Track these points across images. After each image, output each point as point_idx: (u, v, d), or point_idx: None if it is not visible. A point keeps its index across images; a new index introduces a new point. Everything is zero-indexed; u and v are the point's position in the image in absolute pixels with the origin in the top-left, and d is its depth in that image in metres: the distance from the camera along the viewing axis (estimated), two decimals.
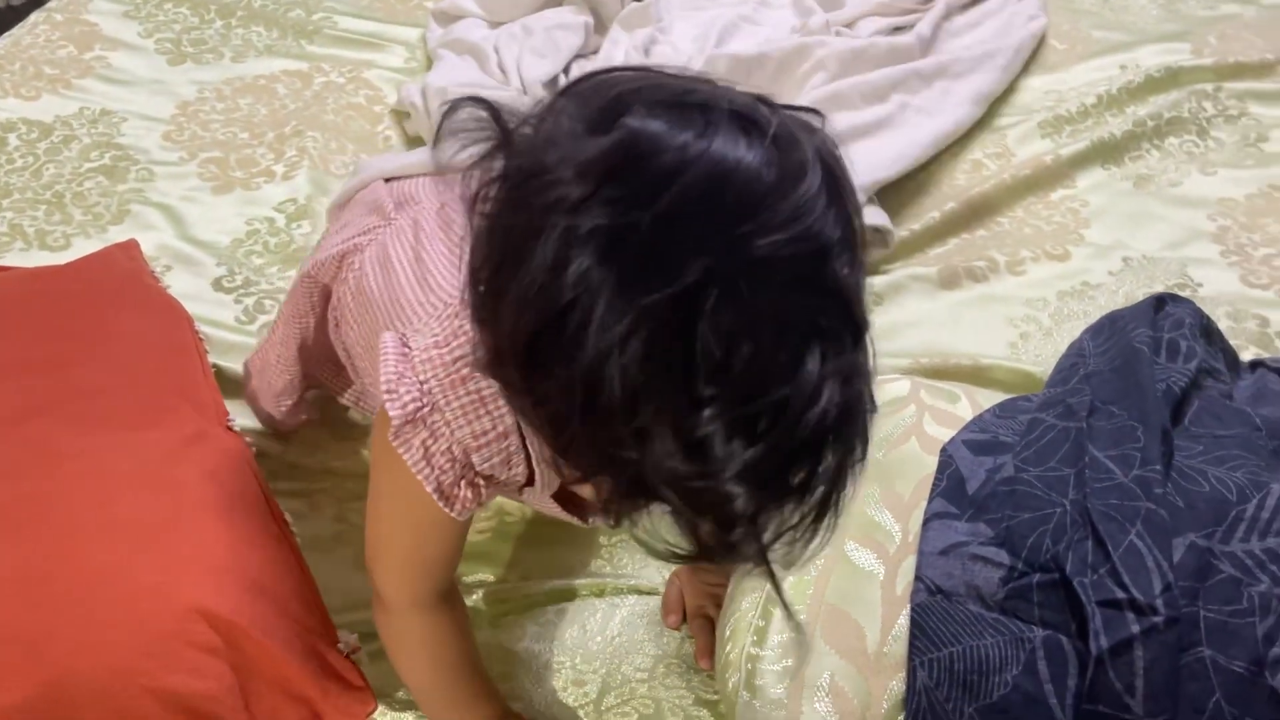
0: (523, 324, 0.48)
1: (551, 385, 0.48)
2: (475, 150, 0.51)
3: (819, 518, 0.50)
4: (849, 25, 1.47)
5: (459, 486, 0.62)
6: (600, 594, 0.90)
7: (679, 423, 0.46)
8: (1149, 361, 0.74)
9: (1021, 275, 1.17)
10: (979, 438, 0.75)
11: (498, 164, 0.51)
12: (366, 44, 1.53)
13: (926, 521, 0.69)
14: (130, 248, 1.05)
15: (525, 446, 0.62)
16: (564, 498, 0.70)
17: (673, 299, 0.45)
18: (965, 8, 1.55)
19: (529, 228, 0.47)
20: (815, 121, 0.52)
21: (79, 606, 0.66)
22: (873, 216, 1.15)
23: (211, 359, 0.99)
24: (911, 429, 0.80)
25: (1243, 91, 1.41)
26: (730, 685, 0.67)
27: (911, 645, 0.63)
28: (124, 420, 0.79)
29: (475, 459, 0.62)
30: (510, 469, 0.64)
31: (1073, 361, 0.80)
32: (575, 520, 0.72)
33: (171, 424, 0.81)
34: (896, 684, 0.63)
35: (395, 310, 0.71)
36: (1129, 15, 1.60)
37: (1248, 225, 1.22)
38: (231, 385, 0.99)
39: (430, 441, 0.61)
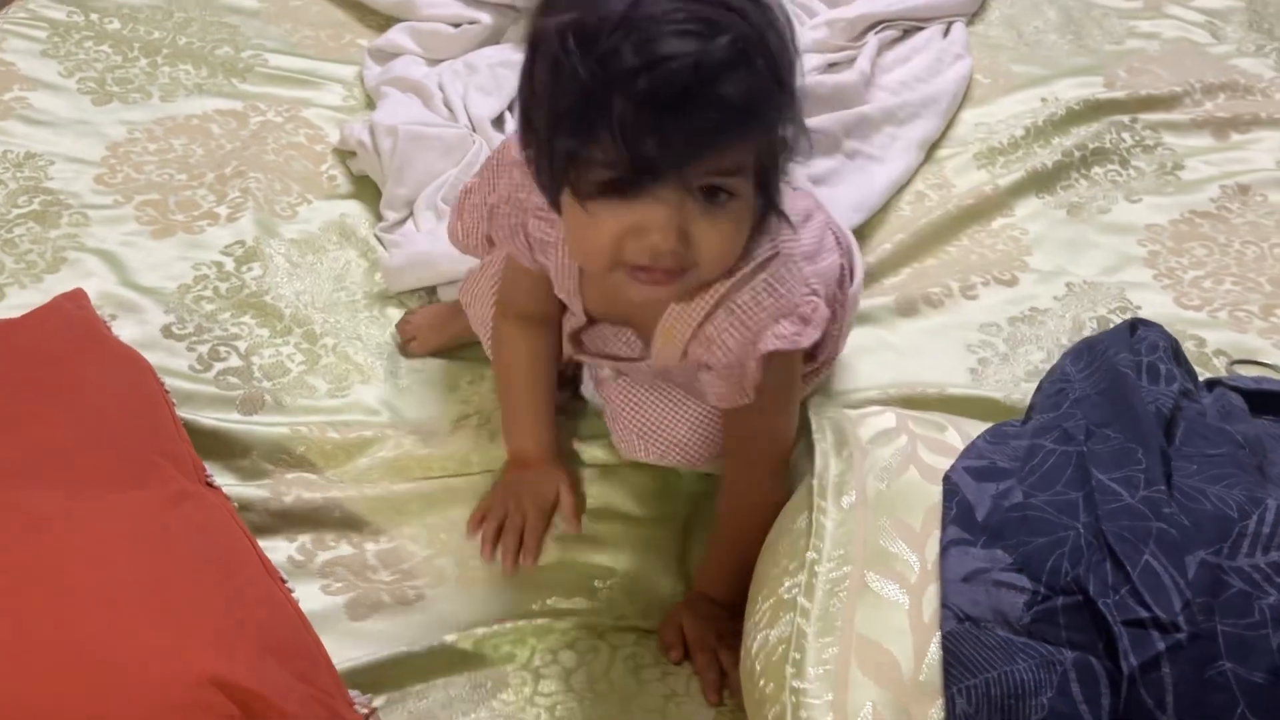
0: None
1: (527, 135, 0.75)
2: None
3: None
4: None
5: (473, 235, 0.96)
6: (600, 635, 0.89)
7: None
8: (1135, 384, 0.77)
9: (974, 300, 1.21)
10: (978, 464, 0.78)
11: None
12: (301, 82, 1.50)
13: (944, 549, 0.70)
14: (78, 297, 1.01)
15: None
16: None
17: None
18: (894, 43, 1.61)
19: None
20: None
21: (86, 677, 0.62)
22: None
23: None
24: (909, 458, 0.81)
25: (1156, 122, 1.49)
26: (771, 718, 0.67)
27: (946, 673, 0.65)
28: (106, 480, 0.76)
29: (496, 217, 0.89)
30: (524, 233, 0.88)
31: (1059, 387, 0.83)
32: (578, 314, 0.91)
33: (154, 482, 0.78)
34: (936, 711, 0.64)
35: None
36: (1043, 50, 1.68)
37: (1175, 250, 1.29)
38: (199, 437, 0.95)
39: (466, 198, 0.95)
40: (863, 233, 1.28)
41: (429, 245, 1.17)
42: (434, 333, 1.13)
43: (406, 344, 1.12)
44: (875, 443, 0.85)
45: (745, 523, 0.88)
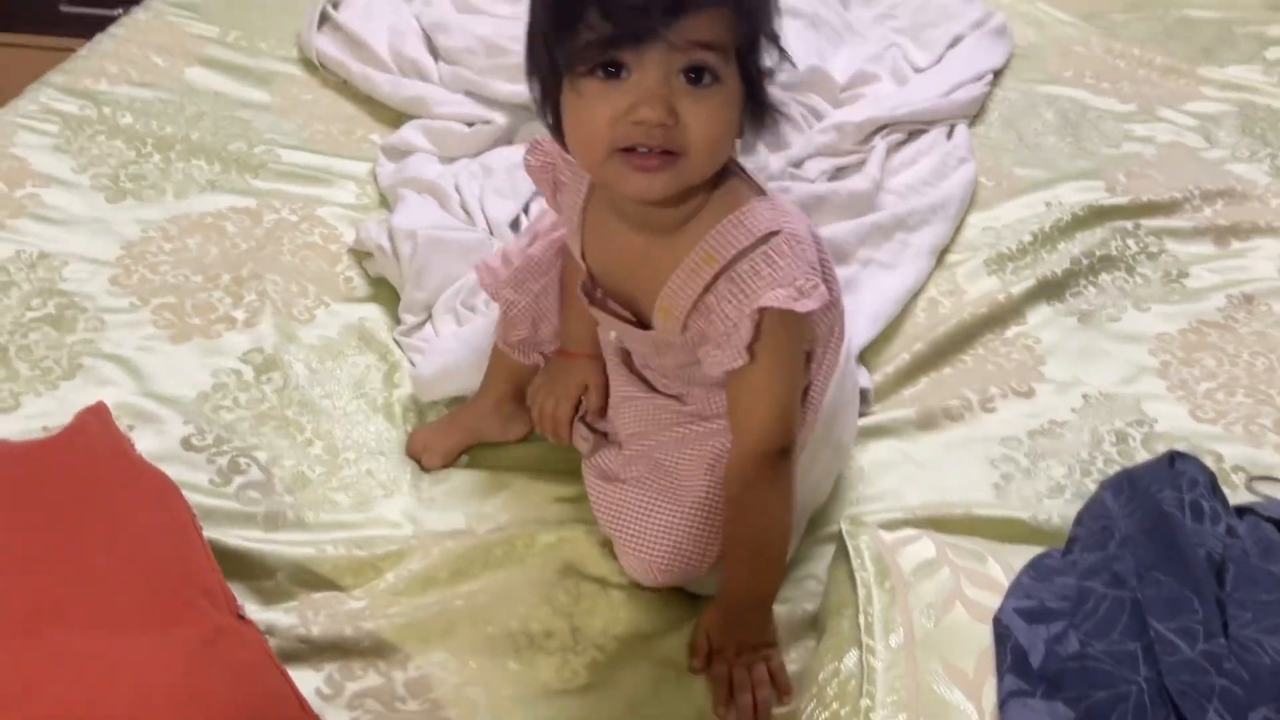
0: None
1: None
2: None
3: None
4: (798, 165, 1.53)
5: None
6: None
7: None
8: (1181, 524, 0.77)
9: (993, 413, 1.21)
10: (1027, 604, 0.77)
11: None
12: (314, 179, 1.50)
13: (1004, 701, 0.70)
14: (101, 412, 0.99)
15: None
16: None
17: None
18: (900, 146, 1.64)
19: None
20: None
21: None
22: (862, 379, 1.18)
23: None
24: (954, 594, 0.81)
25: (1158, 229, 1.52)
26: None
27: None
28: (141, 620, 0.74)
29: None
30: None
31: (1102, 524, 0.83)
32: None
33: (189, 620, 0.76)
34: None
35: None
36: (1043, 152, 1.71)
37: (1185, 360, 1.31)
38: (224, 559, 0.93)
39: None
40: (880, 342, 1.29)
41: (459, 351, 1.16)
42: (440, 442, 1.12)
43: (419, 460, 1.12)
44: (918, 575, 0.85)
45: (751, 532, 0.91)
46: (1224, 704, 0.65)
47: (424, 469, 1.11)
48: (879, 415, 1.19)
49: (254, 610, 0.91)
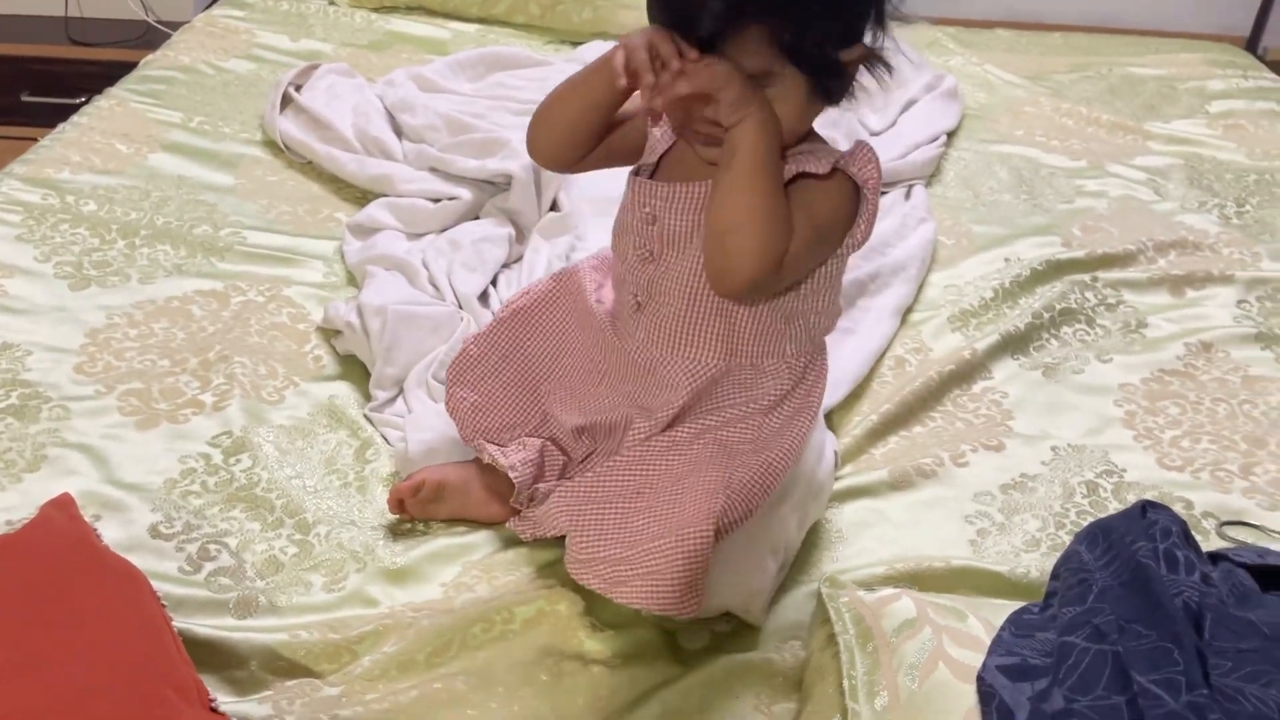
0: None
1: None
2: None
3: None
4: None
5: None
6: None
7: None
8: (1158, 575, 0.78)
9: (965, 468, 1.22)
10: (1009, 661, 0.77)
11: None
12: (280, 260, 1.50)
13: None
14: (66, 504, 0.97)
15: None
16: None
17: None
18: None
19: None
20: None
21: None
22: (830, 440, 1.19)
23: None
24: (936, 654, 0.81)
25: (1115, 280, 1.55)
26: None
27: None
28: None
29: None
30: None
31: (1080, 577, 0.83)
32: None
33: (162, 718, 0.74)
34: None
35: None
36: (1000, 210, 1.75)
37: (1150, 409, 1.33)
38: (195, 649, 0.91)
39: None
40: (849, 403, 1.30)
41: (446, 429, 1.15)
42: (438, 474, 1.10)
43: (405, 500, 1.10)
44: (899, 635, 0.84)
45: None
46: None
47: (406, 513, 1.09)
48: (852, 477, 1.20)
49: (227, 702, 0.89)
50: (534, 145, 1.06)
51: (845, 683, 0.79)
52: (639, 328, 1.05)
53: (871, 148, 0.98)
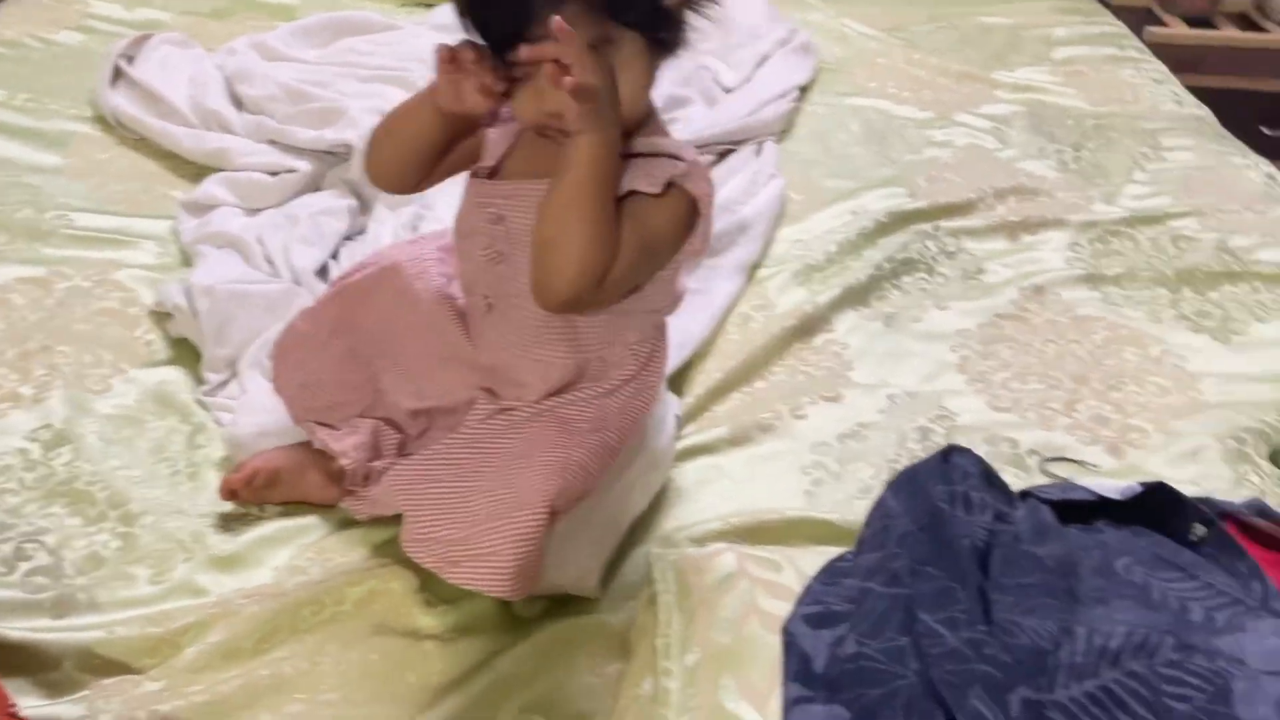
0: None
1: None
2: None
3: None
4: None
5: None
6: None
7: None
8: (951, 519, 0.80)
9: (804, 420, 1.24)
10: (814, 610, 0.79)
11: None
12: (111, 242, 1.44)
13: (786, 709, 0.71)
14: None
15: None
16: None
17: None
18: (710, 167, 1.67)
19: None
20: None
21: None
22: (673, 405, 1.20)
23: None
24: (749, 608, 0.83)
25: (956, 229, 1.59)
26: None
27: None
28: None
29: None
30: None
31: (883, 524, 0.86)
32: None
33: None
34: None
35: None
36: (849, 163, 1.78)
37: (984, 354, 1.37)
38: (5, 653, 0.88)
39: None
40: (694, 363, 1.31)
41: (278, 410, 1.13)
42: (271, 461, 1.08)
43: (237, 486, 1.07)
44: (719, 590, 0.86)
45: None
46: (985, 688, 0.67)
47: (238, 497, 1.07)
48: (695, 435, 1.21)
49: (37, 704, 0.87)
50: (372, 173, 1.03)
51: (659, 641, 0.80)
52: (490, 328, 1.03)
53: (702, 165, 0.95)
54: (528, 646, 0.96)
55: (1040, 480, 1.15)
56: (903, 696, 0.69)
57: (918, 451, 1.21)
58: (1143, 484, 0.92)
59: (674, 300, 1.07)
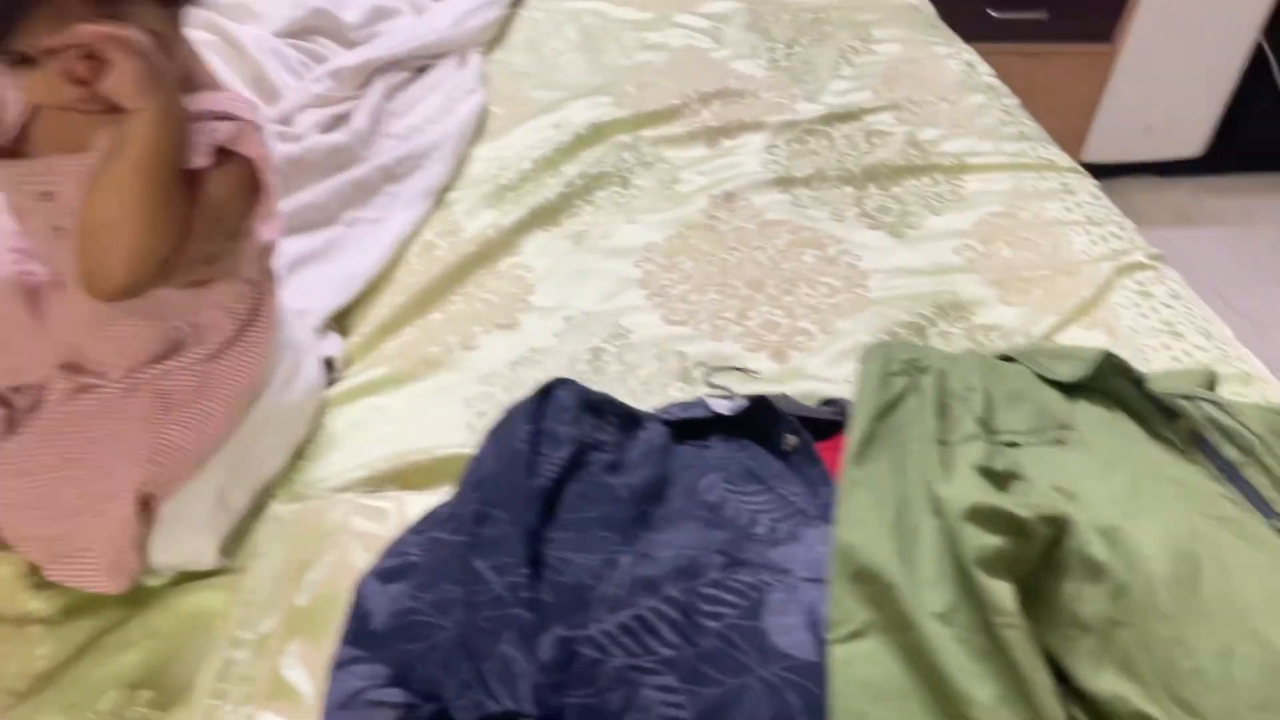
0: None
1: None
2: None
3: None
4: (286, 122, 1.47)
5: None
6: None
7: None
8: (525, 460, 0.80)
9: (475, 351, 1.22)
10: (391, 564, 0.79)
11: None
12: None
13: (331, 673, 0.70)
14: None
15: None
16: None
17: None
18: (405, 85, 1.61)
19: None
20: None
21: None
22: (328, 347, 1.16)
23: None
24: (338, 567, 0.82)
25: (657, 138, 1.58)
26: None
27: None
28: None
29: None
30: None
31: (472, 467, 0.85)
32: None
33: None
34: None
35: None
36: (561, 72, 1.73)
37: (667, 266, 1.37)
38: None
39: None
40: (368, 298, 1.27)
41: None
42: None
43: None
44: (319, 548, 0.85)
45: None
46: (516, 633, 0.68)
47: None
48: (356, 376, 1.18)
49: None
50: None
51: (237, 610, 0.78)
52: (64, 303, 0.96)
53: (257, 120, 0.89)
54: (144, 620, 0.93)
55: (706, 393, 1.17)
56: (442, 649, 0.69)
57: (588, 373, 1.21)
58: (748, 397, 0.94)
59: (265, 253, 1.01)
